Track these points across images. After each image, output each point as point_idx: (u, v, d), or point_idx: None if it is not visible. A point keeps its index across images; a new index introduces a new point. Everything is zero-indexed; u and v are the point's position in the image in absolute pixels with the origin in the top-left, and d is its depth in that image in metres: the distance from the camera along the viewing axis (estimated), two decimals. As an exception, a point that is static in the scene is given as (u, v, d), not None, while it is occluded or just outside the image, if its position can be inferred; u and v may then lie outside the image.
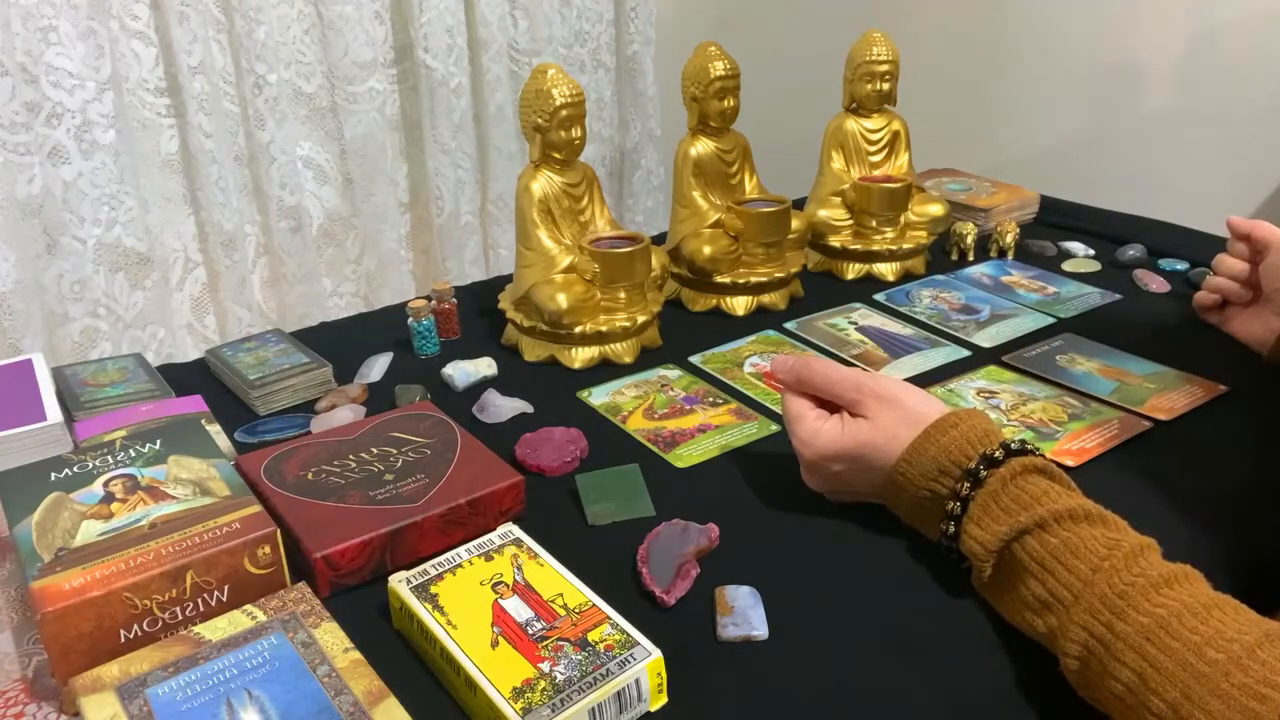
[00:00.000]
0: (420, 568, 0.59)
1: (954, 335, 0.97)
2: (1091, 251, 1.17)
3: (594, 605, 0.56)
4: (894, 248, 1.09)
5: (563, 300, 0.89)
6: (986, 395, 0.84)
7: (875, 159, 1.15)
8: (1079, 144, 1.79)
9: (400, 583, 0.58)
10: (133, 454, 0.67)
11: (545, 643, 0.53)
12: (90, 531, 0.58)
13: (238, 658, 0.53)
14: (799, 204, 1.16)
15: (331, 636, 0.55)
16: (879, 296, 1.06)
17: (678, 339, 0.97)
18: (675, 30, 1.84)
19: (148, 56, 1.30)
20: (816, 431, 0.66)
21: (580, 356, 0.91)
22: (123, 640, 0.55)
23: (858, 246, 1.10)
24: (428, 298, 0.97)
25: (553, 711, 0.49)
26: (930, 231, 1.12)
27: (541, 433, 0.78)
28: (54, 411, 0.75)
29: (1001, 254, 1.17)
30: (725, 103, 1.03)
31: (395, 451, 0.70)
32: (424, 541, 0.64)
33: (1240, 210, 1.34)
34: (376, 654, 0.54)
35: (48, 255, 1.26)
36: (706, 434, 0.80)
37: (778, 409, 0.83)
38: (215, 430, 0.77)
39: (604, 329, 0.90)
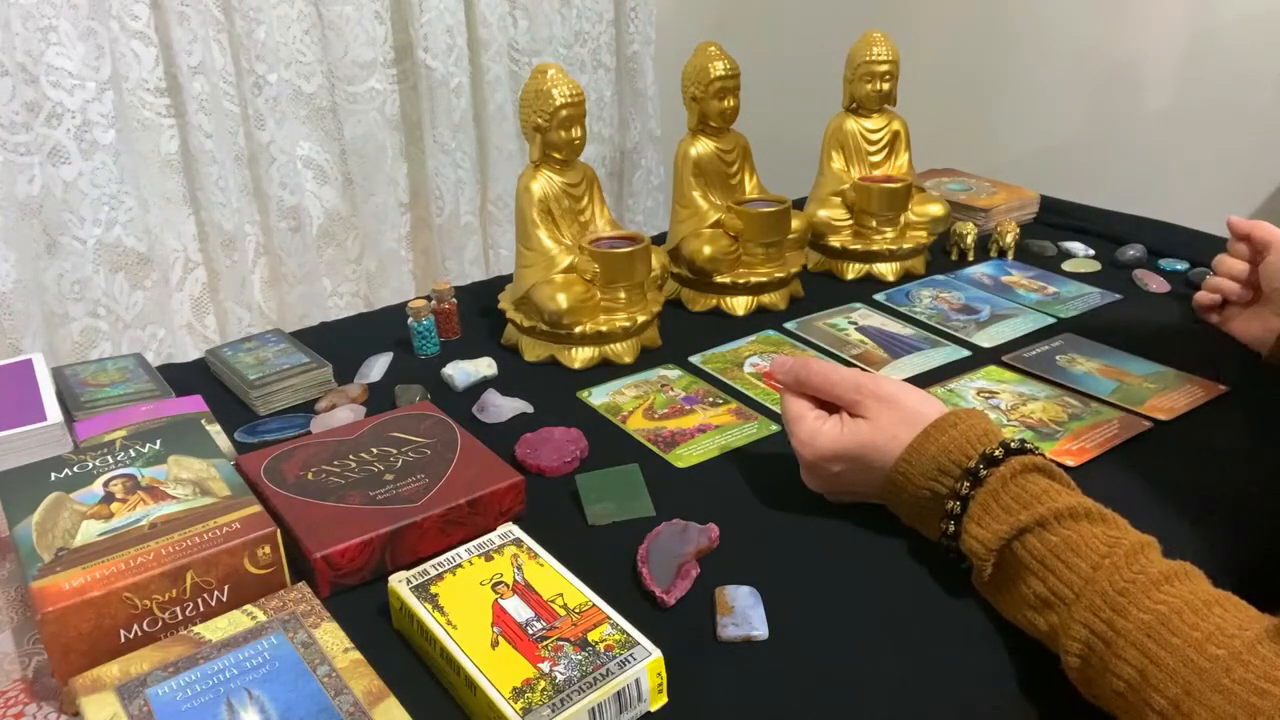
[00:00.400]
0: (420, 568, 0.59)
1: (954, 335, 0.97)
2: (1091, 251, 1.17)
3: (594, 605, 0.56)
4: (894, 248, 1.09)
5: (563, 300, 0.89)
6: (986, 395, 0.84)
7: (875, 159, 1.15)
8: (1079, 144, 1.79)
9: (400, 583, 0.58)
10: (133, 454, 0.67)
11: (545, 643, 0.53)
12: (90, 531, 0.58)
13: (238, 658, 0.53)
14: (799, 204, 1.16)
15: (331, 636, 0.55)
16: (879, 296, 1.06)
17: (678, 339, 0.97)
18: (675, 30, 1.84)
19: (148, 56, 1.30)
20: (816, 432, 0.66)
21: (580, 356, 0.91)
22: (123, 640, 0.55)
23: (858, 246, 1.10)
24: (428, 298, 0.97)
25: (553, 711, 0.49)
26: (930, 231, 1.12)
27: (541, 433, 0.78)
28: (54, 411, 0.75)
29: (1001, 254, 1.17)
30: (725, 103, 1.03)
31: (395, 451, 0.70)
32: (424, 541, 0.64)
33: (1240, 210, 1.34)
34: (376, 654, 0.54)
35: (48, 255, 1.26)
36: (706, 434, 0.80)
37: (777, 409, 0.83)
38: (215, 430, 0.77)
39: (604, 329, 0.90)
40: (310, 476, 0.67)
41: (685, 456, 0.77)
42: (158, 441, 0.68)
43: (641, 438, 0.80)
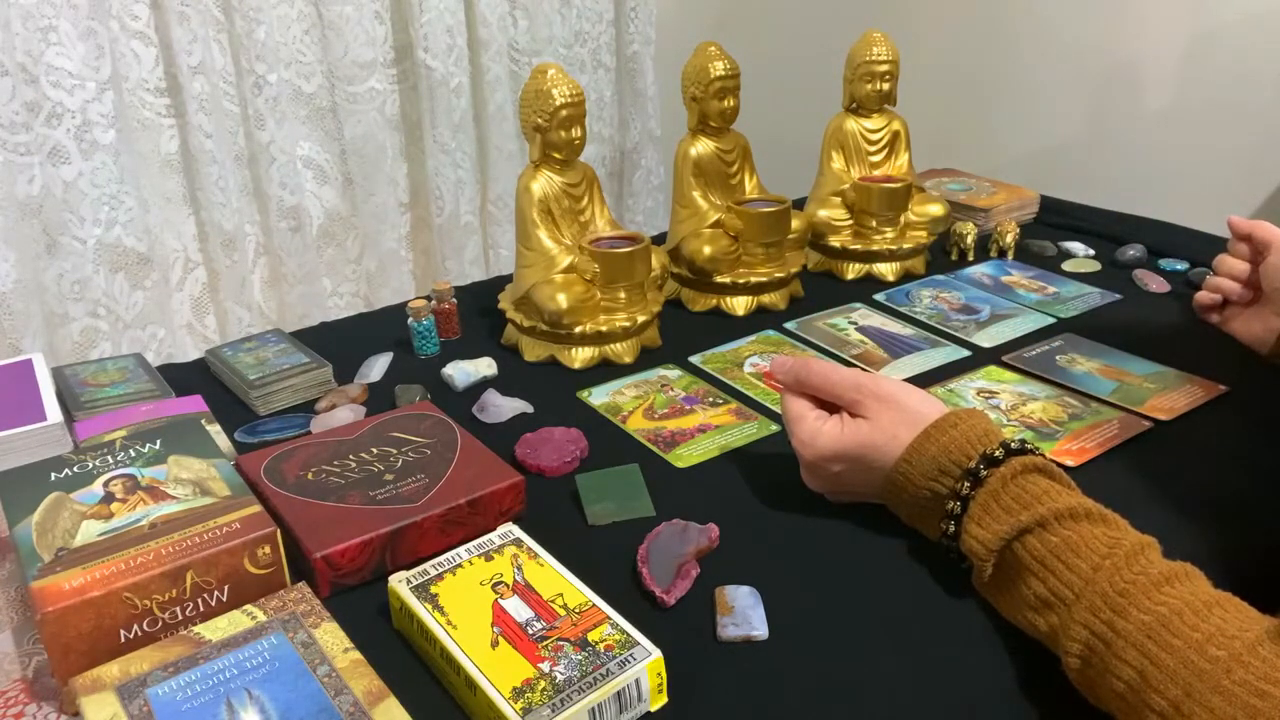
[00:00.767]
0: (420, 568, 0.59)
1: (954, 335, 0.97)
2: (1091, 251, 1.17)
3: (594, 605, 0.56)
4: (894, 248, 1.09)
5: (563, 300, 0.89)
6: (986, 395, 0.84)
7: (875, 159, 1.15)
8: (1079, 144, 1.79)
9: (400, 583, 0.58)
10: (133, 454, 0.67)
11: (545, 643, 0.53)
12: (90, 531, 0.58)
13: (238, 658, 0.53)
14: (799, 204, 1.16)
15: (331, 636, 0.55)
16: (879, 296, 1.06)
17: (678, 339, 0.97)
18: (675, 30, 1.84)
19: (148, 56, 1.30)
20: (816, 432, 0.66)
21: (580, 356, 0.91)
22: (123, 640, 0.55)
23: (858, 246, 1.10)
24: (428, 298, 0.97)
25: (553, 711, 0.49)
26: (930, 231, 1.12)
27: (541, 433, 0.78)
28: (54, 411, 0.75)
29: (1001, 254, 1.17)
30: (725, 103, 1.03)
31: (395, 451, 0.70)
32: (424, 541, 0.64)
33: (1240, 210, 1.34)
34: (376, 654, 0.54)
35: (48, 255, 1.26)
36: (706, 434, 0.80)
37: (777, 409, 0.83)
38: (215, 430, 0.77)
39: (604, 329, 0.90)
40: (310, 476, 0.67)
41: (685, 456, 0.77)
42: (158, 441, 0.68)
43: (641, 438, 0.80)
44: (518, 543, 0.62)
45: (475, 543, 0.62)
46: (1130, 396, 0.83)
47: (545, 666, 0.52)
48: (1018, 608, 0.56)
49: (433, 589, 0.58)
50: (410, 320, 0.94)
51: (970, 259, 1.16)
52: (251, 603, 0.57)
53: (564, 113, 0.90)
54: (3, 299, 1.21)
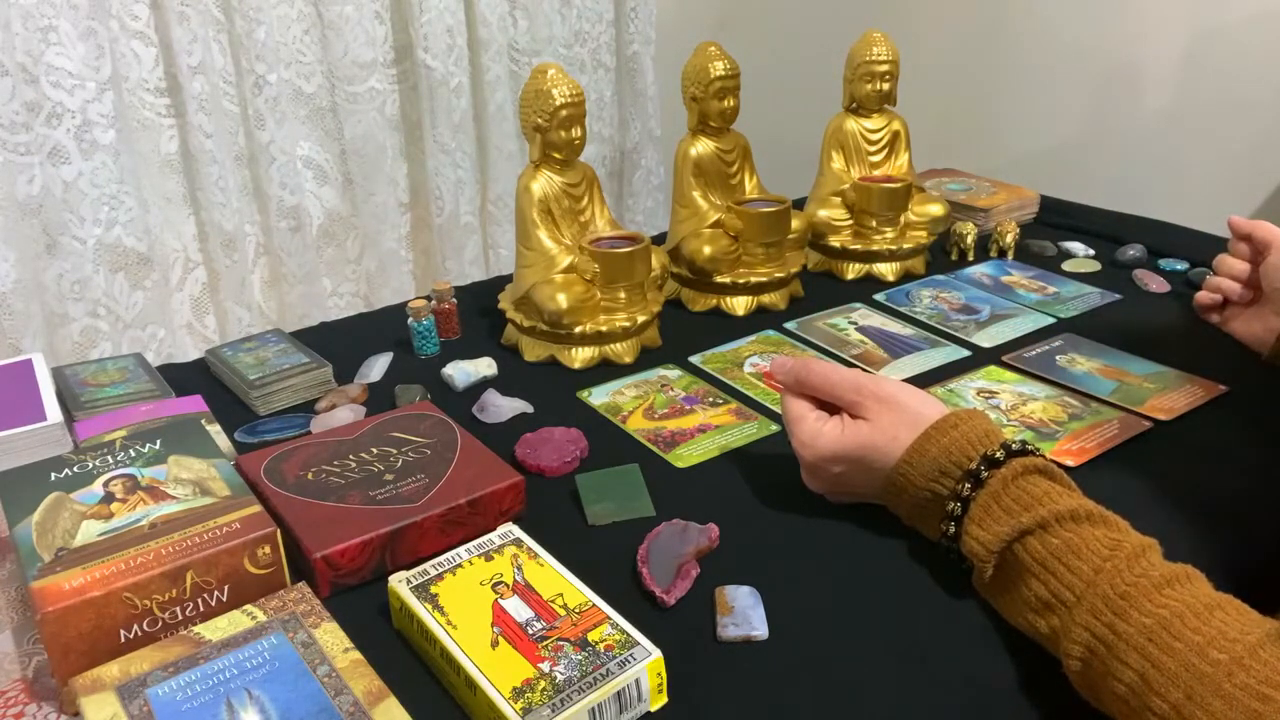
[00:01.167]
0: (420, 568, 0.59)
1: (954, 335, 0.97)
2: (1091, 251, 1.17)
3: (594, 605, 0.56)
4: (894, 248, 1.09)
5: (563, 300, 0.89)
6: (986, 395, 0.84)
7: (875, 159, 1.15)
8: (1079, 144, 1.79)
9: (400, 583, 0.58)
10: (133, 454, 0.67)
11: (545, 643, 0.53)
12: (90, 531, 0.58)
13: (238, 658, 0.53)
14: (799, 204, 1.16)
15: (331, 636, 0.55)
16: (879, 296, 1.06)
17: (678, 339, 0.97)
18: (675, 30, 1.84)
19: (148, 56, 1.30)
20: (817, 433, 0.66)
21: (580, 356, 0.91)
22: (123, 640, 0.55)
23: (858, 246, 1.10)
24: (428, 298, 0.97)
25: (553, 711, 0.49)
26: (930, 231, 1.12)
27: (541, 433, 0.78)
28: (54, 411, 0.75)
29: (1001, 254, 1.17)
30: (725, 103, 1.03)
31: (395, 451, 0.70)
32: (424, 541, 0.64)
33: (1240, 210, 1.34)
34: (376, 654, 0.54)
35: (48, 255, 1.26)
36: (706, 434, 0.80)
37: (778, 409, 0.83)
38: (215, 430, 0.77)
39: (604, 329, 0.90)
40: (310, 476, 0.67)
41: (685, 456, 0.77)
42: (158, 441, 0.68)
43: (641, 438, 0.80)
44: (518, 543, 0.62)
45: (475, 543, 0.62)
46: (1130, 396, 0.83)
47: (545, 666, 0.52)
48: (1018, 609, 0.56)
49: (433, 589, 0.58)
50: (410, 320, 0.94)
51: (970, 259, 1.16)
52: (251, 603, 0.57)
53: (564, 113, 0.90)
54: (3, 299, 1.21)
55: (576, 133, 0.92)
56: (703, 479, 0.74)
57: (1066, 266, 1.13)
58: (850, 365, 0.91)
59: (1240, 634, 0.47)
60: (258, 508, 0.61)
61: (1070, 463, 0.73)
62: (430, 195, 1.60)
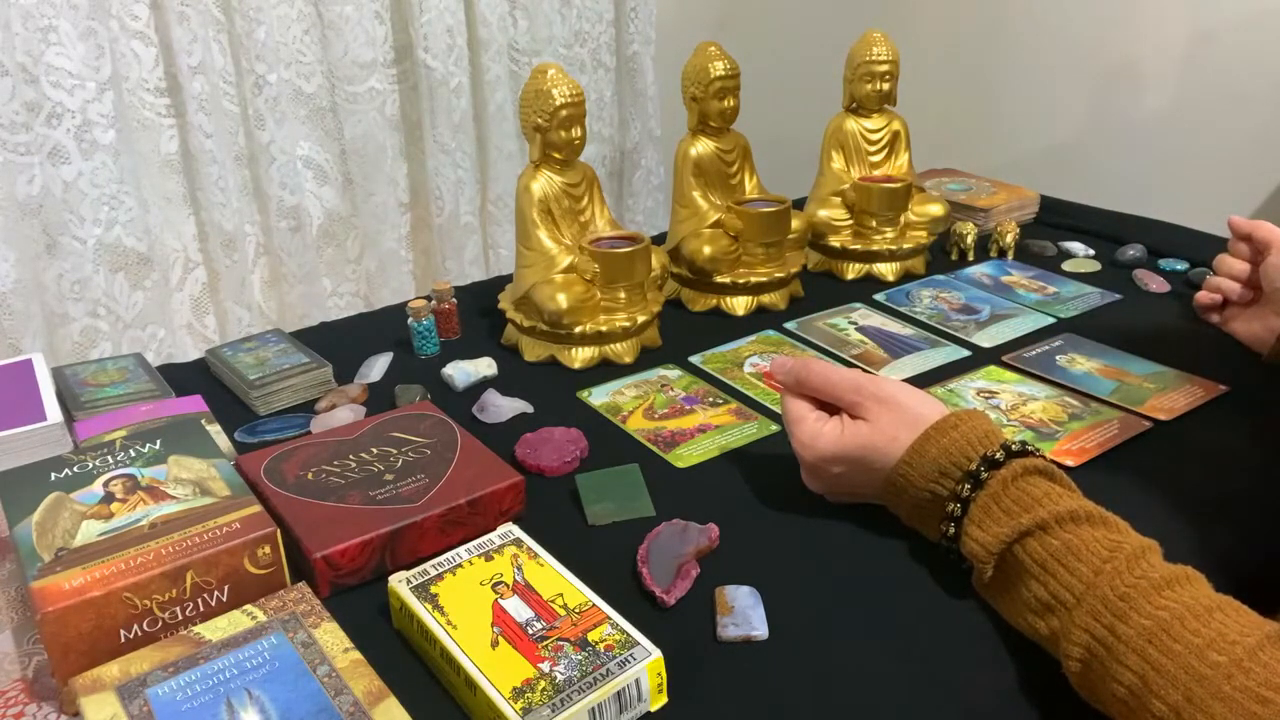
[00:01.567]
0: (420, 568, 0.59)
1: (954, 335, 0.97)
2: (1091, 251, 1.17)
3: (594, 605, 0.56)
4: (894, 248, 1.09)
5: (563, 300, 0.89)
6: (986, 395, 0.84)
7: (875, 159, 1.15)
8: (1079, 144, 1.79)
9: (400, 583, 0.58)
10: (133, 454, 0.67)
11: (545, 643, 0.53)
12: (90, 531, 0.58)
13: (238, 658, 0.53)
14: (799, 204, 1.16)
15: (331, 636, 0.55)
16: (879, 296, 1.06)
17: (678, 339, 0.97)
18: (675, 30, 1.84)
19: (148, 56, 1.30)
20: (816, 434, 0.66)
21: (580, 356, 0.91)
22: (123, 640, 0.55)
23: (858, 246, 1.10)
24: (428, 298, 0.97)
25: (553, 711, 0.49)
26: (930, 231, 1.12)
27: (541, 433, 0.78)
28: (54, 411, 0.75)
29: (1001, 254, 1.17)
30: (725, 103, 1.03)
31: (395, 451, 0.70)
32: (424, 541, 0.64)
33: (1240, 210, 1.34)
34: (376, 654, 0.54)
35: (48, 255, 1.26)
36: (706, 434, 0.80)
37: (778, 409, 0.83)
38: (215, 430, 0.77)
39: (604, 329, 0.90)
40: (310, 476, 0.67)
41: (685, 456, 0.77)
42: (158, 441, 0.68)
43: (641, 438, 0.80)
44: (518, 543, 0.62)
45: (475, 543, 0.62)
46: (1130, 396, 0.83)
47: (545, 666, 0.52)
48: (1018, 610, 0.56)
49: (433, 589, 0.58)
50: (410, 320, 0.94)
51: (970, 259, 1.16)
52: (251, 603, 0.57)
53: (564, 113, 0.90)
54: (3, 299, 1.21)
55: (576, 133, 0.92)
56: (703, 479, 0.74)
57: (1066, 266, 1.13)
58: (850, 365, 0.91)
59: (1240, 636, 0.47)
60: (258, 508, 0.61)
61: (1070, 463, 0.73)
62: (430, 195, 1.60)
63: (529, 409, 0.84)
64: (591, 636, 0.54)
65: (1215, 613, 0.48)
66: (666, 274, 1.00)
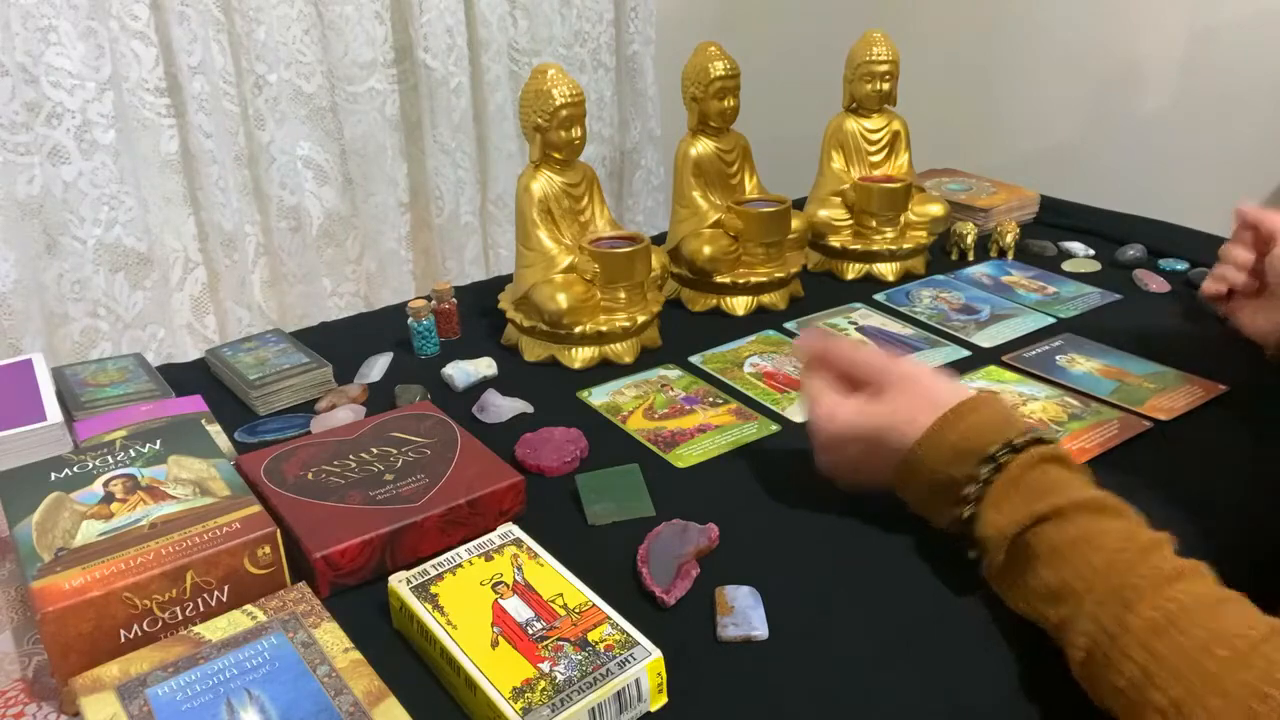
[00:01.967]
0: (420, 568, 0.59)
1: (954, 335, 0.97)
2: (1091, 251, 1.17)
3: (594, 605, 0.56)
4: (894, 248, 1.09)
5: (563, 300, 0.89)
6: (986, 395, 0.84)
7: (875, 159, 1.15)
8: (1079, 144, 1.79)
9: (400, 583, 0.58)
10: (133, 454, 0.67)
11: (545, 643, 0.53)
12: (90, 531, 0.58)
13: (238, 658, 0.53)
14: (799, 204, 1.16)
15: (331, 636, 0.55)
16: (879, 296, 1.06)
17: (678, 339, 0.97)
18: (675, 30, 1.84)
19: (148, 56, 1.30)
20: (835, 410, 0.65)
21: (580, 356, 0.91)
22: (123, 640, 0.55)
23: (858, 246, 1.10)
24: (428, 298, 0.97)
25: (553, 711, 0.49)
26: (930, 231, 1.12)
27: (541, 433, 0.78)
28: (54, 411, 0.75)
29: (1001, 254, 1.17)
30: (725, 103, 1.03)
31: (395, 451, 0.70)
32: (424, 541, 0.64)
33: (1240, 210, 1.34)
34: (376, 654, 0.54)
35: (48, 255, 1.26)
36: (706, 434, 0.80)
37: (778, 409, 0.83)
38: (215, 430, 0.77)
39: (604, 329, 0.90)
40: (310, 476, 0.67)
41: (685, 456, 0.77)
42: (158, 441, 0.68)
43: (641, 438, 0.80)
44: (518, 543, 0.62)
45: (475, 543, 0.62)
46: (1130, 396, 0.83)
47: (545, 666, 0.52)
48: (1027, 597, 0.55)
49: (433, 589, 0.58)
50: (410, 320, 0.94)
51: (970, 259, 1.16)
52: (251, 603, 0.57)
53: (564, 113, 0.90)
54: (3, 299, 1.21)
55: (576, 133, 0.92)
56: (703, 479, 0.74)
57: (1066, 266, 1.13)
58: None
59: (1246, 629, 0.47)
60: (258, 508, 0.61)
61: (1070, 463, 0.73)
62: (430, 195, 1.60)
63: (529, 409, 0.84)
64: (591, 636, 0.54)
65: (1221, 607, 0.48)
66: (666, 274, 1.00)
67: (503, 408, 0.83)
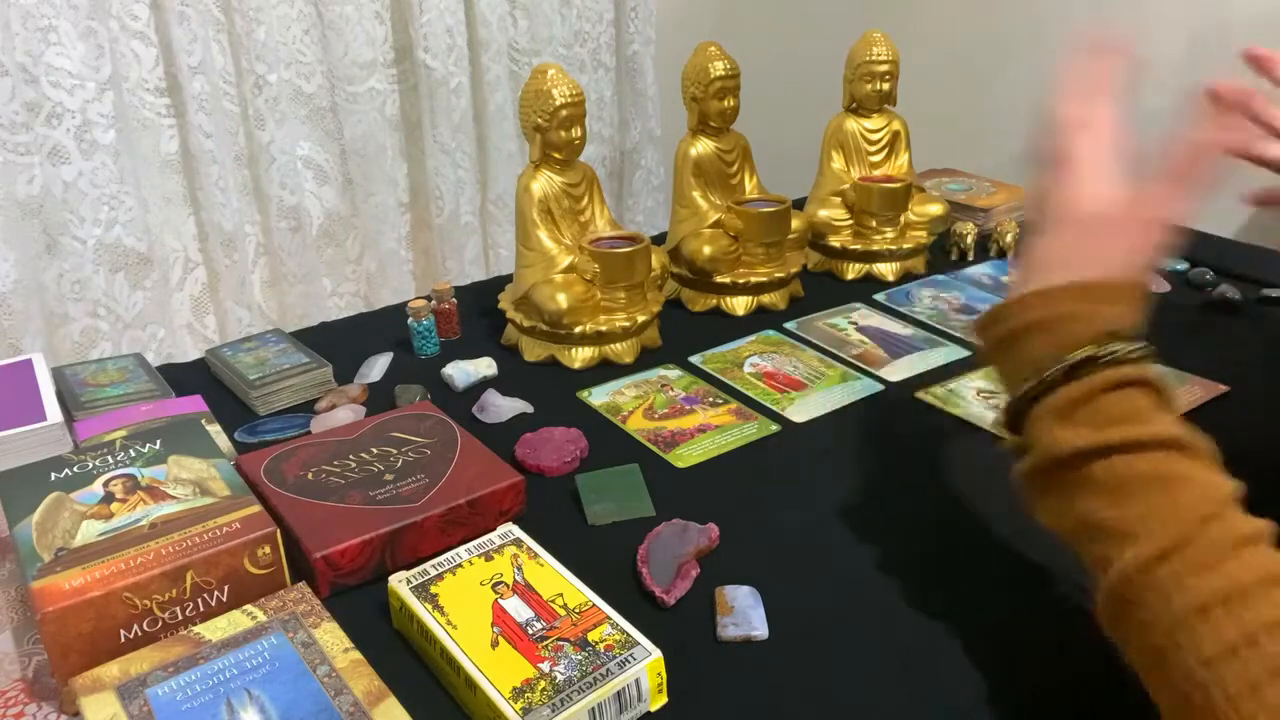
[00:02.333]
0: (420, 568, 0.59)
1: (954, 335, 0.97)
2: (1091, 251, 1.16)
3: (594, 605, 0.56)
4: (894, 248, 1.09)
5: (563, 300, 0.89)
6: (986, 395, 0.84)
7: (875, 159, 1.15)
8: (1079, 144, 1.79)
9: (400, 583, 0.58)
10: (133, 454, 0.67)
11: (545, 643, 0.53)
12: (90, 531, 0.58)
13: (238, 658, 0.53)
14: (799, 204, 1.16)
15: (331, 636, 0.55)
16: (879, 296, 1.06)
17: (678, 339, 0.97)
18: (675, 30, 1.84)
19: (148, 56, 1.30)
20: (1099, 187, 0.58)
21: (580, 356, 0.91)
22: (123, 640, 0.55)
23: (858, 246, 1.10)
24: (428, 298, 0.97)
25: (553, 711, 0.49)
26: (930, 231, 1.12)
27: (541, 433, 0.78)
28: (54, 411, 0.75)
29: (1001, 254, 1.17)
30: (725, 103, 1.03)
31: (395, 451, 0.70)
32: (424, 541, 0.64)
33: (1240, 212, 1.34)
34: (376, 654, 0.54)
35: (48, 255, 1.26)
36: (706, 434, 0.80)
37: (777, 409, 0.83)
38: (215, 430, 0.77)
39: (604, 329, 0.90)
40: (310, 476, 0.67)
41: (685, 456, 0.77)
42: (158, 441, 0.68)
43: (641, 438, 0.80)
44: (518, 543, 0.62)
45: (475, 543, 0.62)
46: (1130, 396, 0.83)
47: (545, 666, 0.52)
48: (1062, 517, 0.49)
49: (433, 589, 0.58)
50: (410, 320, 0.94)
51: (970, 259, 1.16)
52: (251, 603, 0.57)
53: (564, 113, 0.90)
54: (3, 299, 1.21)
55: (576, 133, 0.92)
56: (703, 479, 0.74)
57: (1066, 266, 1.13)
58: (850, 365, 0.91)
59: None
60: (258, 508, 0.61)
61: (1070, 463, 0.73)
62: (430, 195, 1.60)
63: (529, 409, 0.84)
64: (591, 636, 0.54)
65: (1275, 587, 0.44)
66: (666, 274, 1.00)
67: (503, 408, 0.83)
